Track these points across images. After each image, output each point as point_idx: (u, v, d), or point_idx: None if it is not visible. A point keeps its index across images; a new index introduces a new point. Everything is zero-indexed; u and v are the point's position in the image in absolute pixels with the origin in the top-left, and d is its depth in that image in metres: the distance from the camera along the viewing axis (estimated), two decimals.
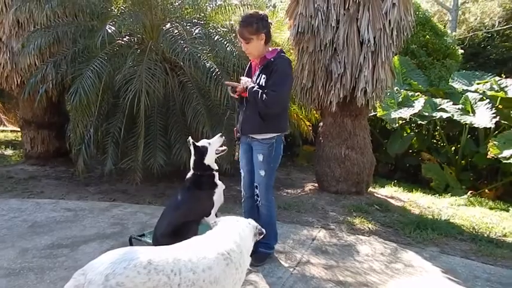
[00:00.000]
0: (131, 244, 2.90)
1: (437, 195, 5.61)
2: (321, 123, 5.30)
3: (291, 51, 5.03)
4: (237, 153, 3.32)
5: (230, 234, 1.75)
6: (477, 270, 2.99)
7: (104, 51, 4.61)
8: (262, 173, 2.76)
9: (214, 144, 2.77)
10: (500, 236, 3.90)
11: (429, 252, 3.30)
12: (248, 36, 2.66)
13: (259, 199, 2.83)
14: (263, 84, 2.65)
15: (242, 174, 2.98)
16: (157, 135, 4.65)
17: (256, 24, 2.65)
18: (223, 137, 2.83)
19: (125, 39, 5.07)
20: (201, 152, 2.73)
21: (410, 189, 5.81)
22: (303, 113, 6.02)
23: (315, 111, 5.93)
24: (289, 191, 5.25)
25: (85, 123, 4.62)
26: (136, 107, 4.26)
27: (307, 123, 6.20)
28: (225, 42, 4.96)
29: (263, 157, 2.73)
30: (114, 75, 4.60)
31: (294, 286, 2.58)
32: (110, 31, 4.48)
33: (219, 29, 5.41)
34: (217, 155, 2.80)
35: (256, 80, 2.72)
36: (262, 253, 2.80)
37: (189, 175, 2.78)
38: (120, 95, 4.56)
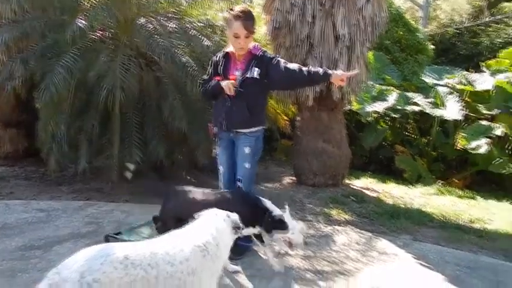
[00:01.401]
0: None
1: (409, 185, 5.81)
2: (298, 118, 5.36)
3: (268, 46, 5.05)
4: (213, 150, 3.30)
5: (207, 227, 1.76)
6: (447, 256, 3.13)
7: (75, 47, 4.45)
8: (248, 165, 2.78)
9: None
10: (467, 223, 4.10)
11: (402, 240, 3.42)
12: (252, 29, 2.70)
13: None
14: (257, 77, 2.70)
15: (221, 171, 2.97)
16: (133, 132, 4.55)
17: (253, 20, 2.73)
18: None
19: (97, 33, 4.93)
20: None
21: (384, 181, 5.99)
22: (280, 107, 6.06)
23: (292, 106, 5.99)
24: (267, 184, 5.30)
25: (56, 121, 4.47)
26: (111, 103, 4.16)
27: (285, 117, 6.26)
28: (201, 37, 4.91)
29: (250, 150, 2.77)
30: (86, 71, 4.46)
31: (273, 277, 2.62)
32: (81, 25, 4.34)
33: (195, 24, 5.35)
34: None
35: (247, 73, 2.73)
36: (241, 246, 2.81)
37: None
38: (93, 92, 4.43)
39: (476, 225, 4.10)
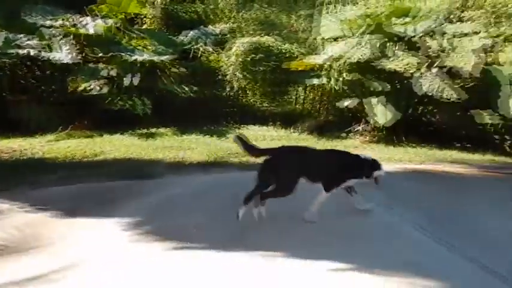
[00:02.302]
0: None
1: (33, 136, 5.46)
2: None
3: None
4: None
5: None
6: (64, 191, 3.32)
7: None
8: None
9: None
10: (90, 158, 4.50)
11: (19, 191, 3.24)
12: None
13: None
14: None
15: None
16: None
17: None
18: None
19: None
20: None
21: (4, 136, 5.26)
22: None
23: None
24: None
25: None
26: None
27: None
28: None
29: None
30: None
31: None
32: None
33: None
34: None
35: None
36: None
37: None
38: None
39: (100, 157, 4.58)
